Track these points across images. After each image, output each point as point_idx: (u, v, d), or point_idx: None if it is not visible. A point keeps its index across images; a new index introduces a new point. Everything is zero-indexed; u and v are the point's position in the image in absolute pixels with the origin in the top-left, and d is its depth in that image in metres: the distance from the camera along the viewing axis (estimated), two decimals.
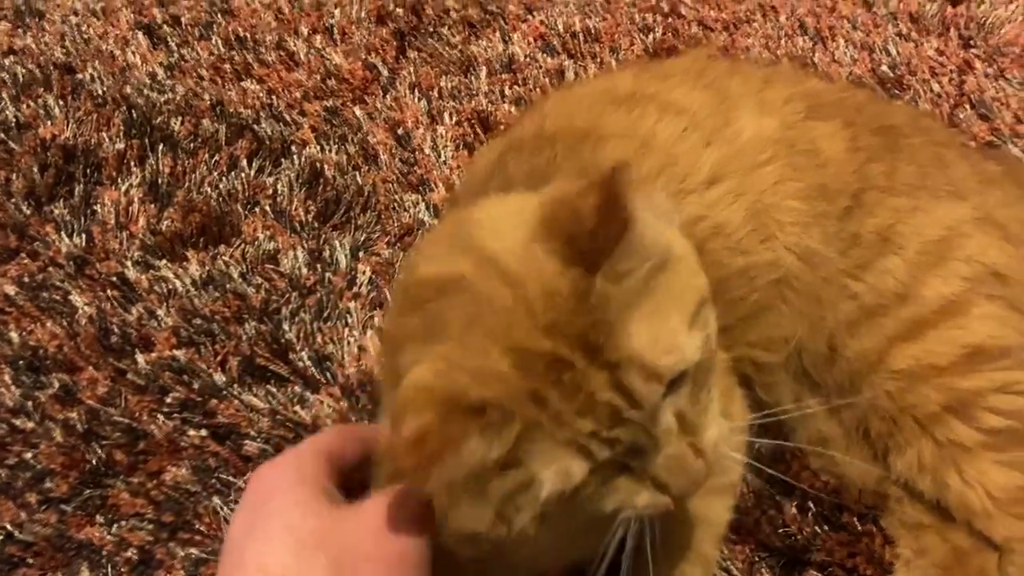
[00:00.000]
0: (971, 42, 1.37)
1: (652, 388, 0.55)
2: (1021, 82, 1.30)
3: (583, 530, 0.61)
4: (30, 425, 0.97)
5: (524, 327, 0.55)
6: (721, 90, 0.93)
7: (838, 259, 0.85)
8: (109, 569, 0.86)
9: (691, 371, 0.58)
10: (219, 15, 1.50)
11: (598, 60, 1.38)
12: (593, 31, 1.42)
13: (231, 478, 0.92)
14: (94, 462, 0.93)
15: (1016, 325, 0.85)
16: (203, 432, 0.95)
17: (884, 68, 1.33)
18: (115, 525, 0.89)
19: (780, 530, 0.85)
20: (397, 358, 0.61)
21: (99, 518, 0.90)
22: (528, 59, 1.38)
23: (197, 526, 0.89)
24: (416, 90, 1.35)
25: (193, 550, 0.87)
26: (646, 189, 0.74)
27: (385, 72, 1.38)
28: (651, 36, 1.40)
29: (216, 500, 0.90)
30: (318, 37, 1.45)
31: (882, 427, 0.84)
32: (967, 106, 1.27)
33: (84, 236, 1.14)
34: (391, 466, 0.65)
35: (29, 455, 0.94)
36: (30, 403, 0.98)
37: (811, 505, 0.86)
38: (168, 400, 0.98)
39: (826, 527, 0.85)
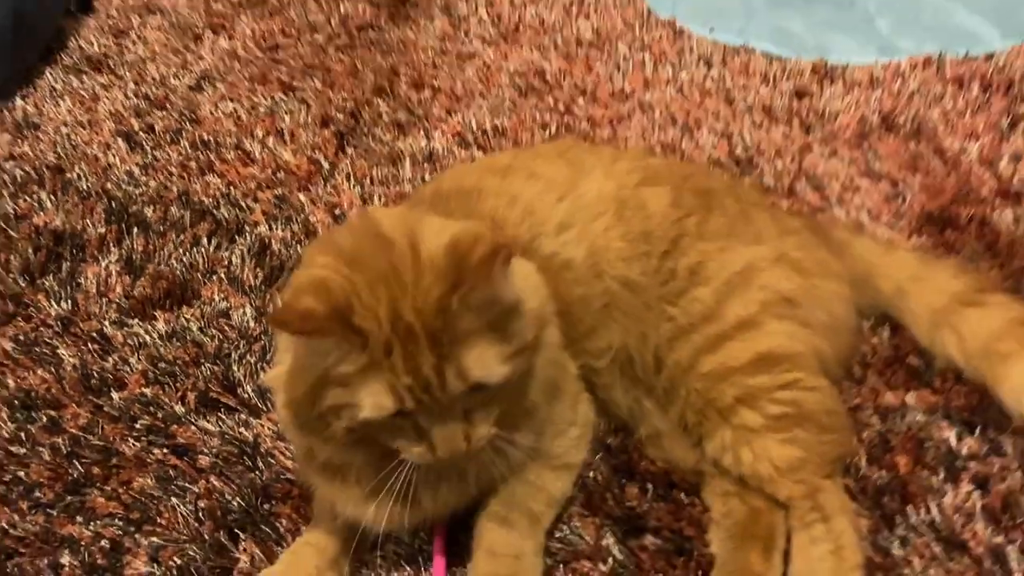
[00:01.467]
0: (811, 128, 1.66)
1: (457, 383, 0.84)
2: (851, 159, 1.58)
3: (377, 455, 0.90)
4: (23, 451, 1.18)
5: (407, 299, 0.83)
6: (577, 163, 1.20)
7: (658, 289, 1.10)
8: (86, 556, 1.07)
9: (493, 390, 0.87)
10: (187, 123, 1.78)
11: (505, 151, 1.65)
12: (501, 128, 1.71)
13: (187, 484, 1.14)
14: (75, 475, 1.15)
15: (802, 338, 1.10)
16: (165, 450, 1.18)
17: (739, 151, 1.61)
18: (91, 523, 1.11)
19: (624, 504, 1.07)
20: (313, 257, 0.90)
21: (79, 518, 1.11)
22: (446, 152, 1.66)
23: (159, 521, 1.10)
24: (351, 179, 1.61)
25: (155, 539, 1.08)
26: (521, 260, 1.00)
27: (326, 165, 1.65)
28: (547, 131, 1.69)
29: (175, 500, 1.12)
30: (271, 139, 1.72)
31: (694, 419, 1.08)
32: (804, 179, 1.54)
33: (70, 302, 1.38)
34: (273, 317, 0.90)
35: (22, 473, 1.16)
36: (23, 434, 1.20)
37: (648, 485, 1.09)
38: (137, 426, 1.20)
39: (659, 501, 1.08)
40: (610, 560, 1.02)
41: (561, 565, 1.02)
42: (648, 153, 1.49)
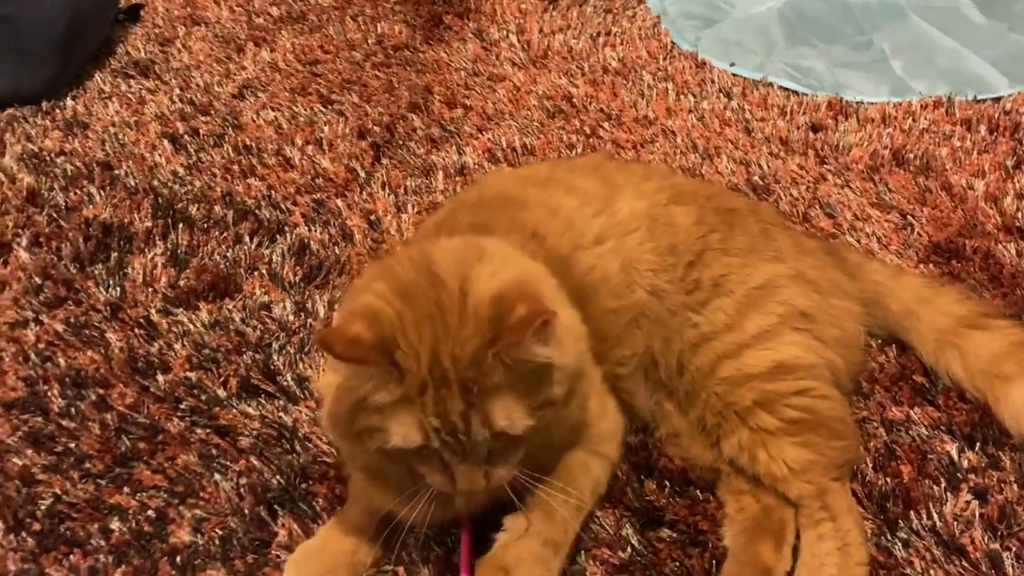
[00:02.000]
0: (826, 160, 1.75)
1: (482, 430, 0.90)
2: (862, 190, 1.66)
3: (404, 475, 0.97)
4: (73, 425, 1.25)
5: (447, 344, 0.89)
6: (610, 180, 1.28)
7: (683, 297, 1.17)
8: (134, 523, 1.13)
9: (514, 437, 0.92)
10: (230, 129, 1.86)
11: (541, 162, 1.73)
12: (529, 147, 1.79)
13: (228, 463, 1.20)
14: (123, 449, 1.21)
15: (817, 351, 1.18)
16: (208, 430, 1.24)
17: (756, 178, 1.69)
18: (138, 494, 1.17)
19: (643, 498, 1.14)
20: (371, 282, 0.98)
21: (126, 489, 1.18)
22: (476, 166, 1.74)
23: (202, 495, 1.16)
24: (386, 188, 1.69)
25: (198, 511, 1.15)
26: (565, 309, 1.04)
27: (363, 174, 1.73)
28: (574, 151, 1.77)
29: (217, 476, 1.18)
30: (310, 147, 1.80)
31: (713, 420, 1.14)
32: (817, 207, 1.62)
33: (119, 290, 1.45)
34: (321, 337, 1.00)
35: (72, 445, 1.22)
36: (72, 409, 1.27)
37: (666, 481, 1.15)
38: (182, 407, 1.27)
39: (677, 496, 1.14)
40: (629, 549, 1.09)
41: (582, 552, 1.08)
42: (673, 172, 1.56)
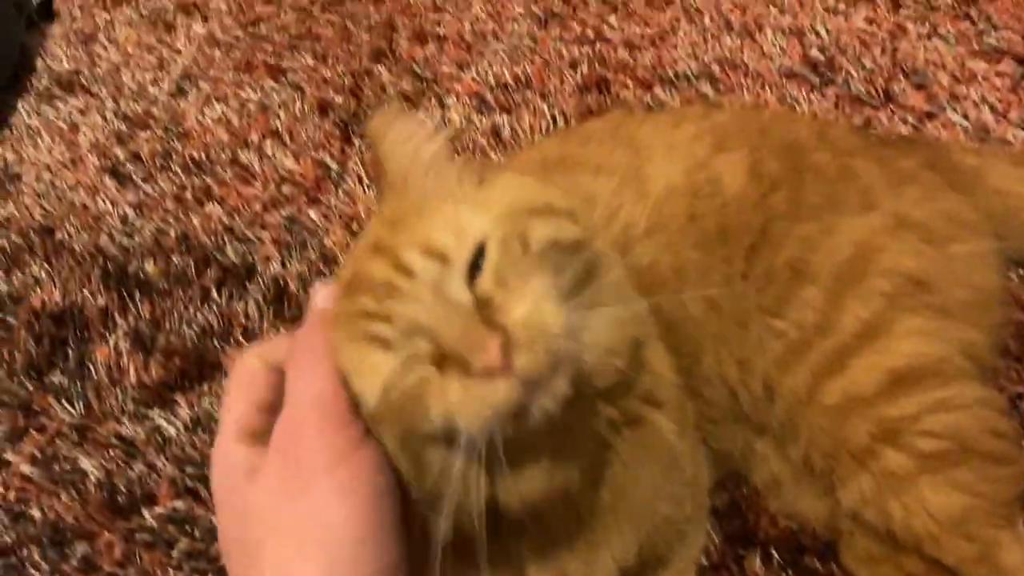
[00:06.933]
0: (900, 2, 1.34)
1: (428, 263, 0.57)
2: (957, 36, 1.27)
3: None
4: None
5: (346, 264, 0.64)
6: (634, 142, 0.95)
7: (753, 298, 0.86)
8: None
9: (493, 258, 0.58)
10: (175, 140, 1.57)
11: (531, 107, 1.39)
12: (523, 78, 1.44)
13: None
14: None
15: (944, 334, 0.85)
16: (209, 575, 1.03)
17: (815, 52, 1.32)
18: None
19: None
20: None
21: None
22: (465, 121, 1.41)
23: None
24: (364, 180, 1.39)
25: None
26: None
27: (334, 166, 1.43)
28: (578, 71, 1.41)
29: None
30: (268, 143, 1.50)
31: (823, 463, 0.85)
32: (901, 77, 1.24)
33: (83, 402, 1.22)
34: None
35: None
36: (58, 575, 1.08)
37: (773, 552, 0.89)
38: (174, 553, 1.05)
39: (788, 570, 0.88)
40: None
41: None
42: (709, 106, 1.20)
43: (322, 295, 0.65)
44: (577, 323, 0.57)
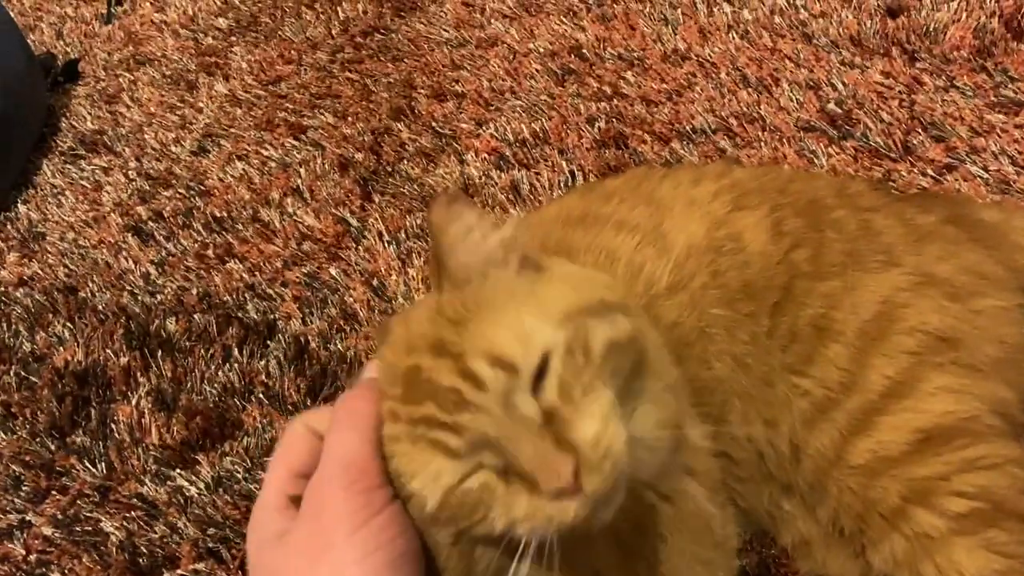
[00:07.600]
0: (916, 56, 1.35)
1: (497, 374, 0.57)
2: (973, 89, 1.27)
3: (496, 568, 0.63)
4: None
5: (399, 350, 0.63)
6: (655, 198, 0.95)
7: (778, 356, 0.85)
8: None
9: (558, 368, 0.58)
10: (197, 198, 1.58)
11: (549, 163, 1.40)
12: (542, 133, 1.45)
13: None
14: None
15: (972, 391, 0.84)
16: None
17: (832, 105, 1.32)
18: None
19: None
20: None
21: None
22: (483, 178, 1.42)
23: None
24: (384, 236, 1.40)
25: None
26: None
27: (354, 222, 1.44)
28: (596, 127, 1.42)
29: None
30: (288, 200, 1.52)
31: (853, 524, 0.83)
32: (919, 130, 1.24)
33: (104, 463, 1.22)
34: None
35: None
36: None
37: None
38: None
39: None
40: None
41: None
42: (729, 164, 1.20)
43: (372, 367, 0.66)
44: (634, 431, 0.59)
